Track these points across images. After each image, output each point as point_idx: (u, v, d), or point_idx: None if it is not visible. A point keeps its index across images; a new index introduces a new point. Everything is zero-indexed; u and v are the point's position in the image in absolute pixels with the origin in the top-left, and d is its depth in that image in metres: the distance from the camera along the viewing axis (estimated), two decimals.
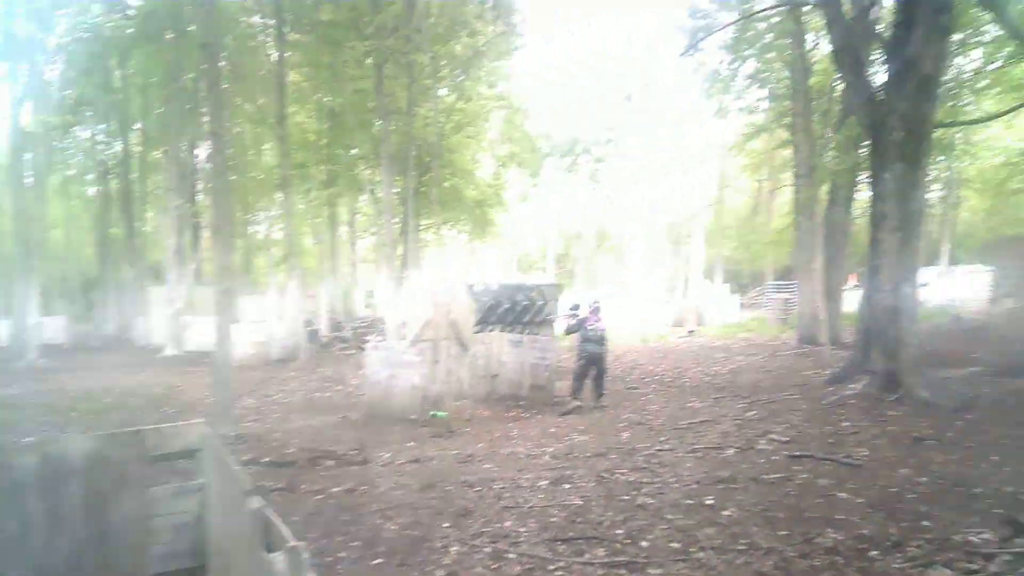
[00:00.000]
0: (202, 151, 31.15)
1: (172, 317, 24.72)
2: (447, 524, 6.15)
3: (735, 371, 14.52)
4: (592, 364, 12.25)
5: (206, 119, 22.92)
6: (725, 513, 6.08)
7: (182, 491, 2.88)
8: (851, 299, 21.53)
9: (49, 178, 30.87)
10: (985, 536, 5.19)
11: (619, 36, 47.37)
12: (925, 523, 5.54)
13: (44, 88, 27.21)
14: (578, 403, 11.90)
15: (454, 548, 5.58)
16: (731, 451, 8.22)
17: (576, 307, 13.52)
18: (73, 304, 46.04)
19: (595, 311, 12.64)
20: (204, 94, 24.28)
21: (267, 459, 8.88)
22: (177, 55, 23.76)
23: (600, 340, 12.22)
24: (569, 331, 12.99)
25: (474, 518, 6.30)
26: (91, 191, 38.43)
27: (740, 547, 5.32)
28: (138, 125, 33.04)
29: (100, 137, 34.34)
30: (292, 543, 2.15)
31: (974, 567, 4.72)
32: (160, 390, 15.37)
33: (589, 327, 12.34)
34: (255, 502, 2.26)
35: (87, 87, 29.18)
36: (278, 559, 2.05)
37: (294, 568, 2.10)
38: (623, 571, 5.05)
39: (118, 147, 33.77)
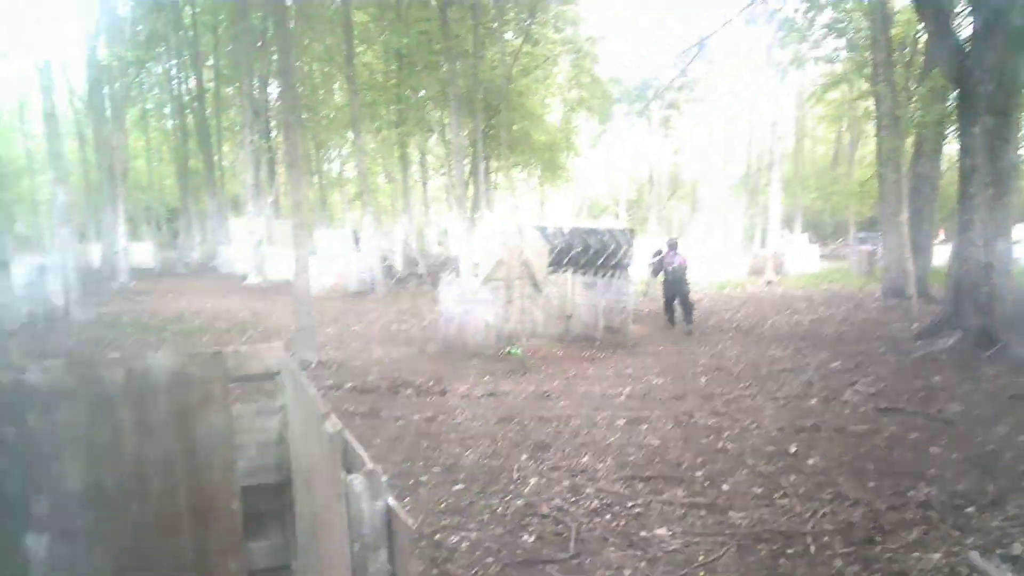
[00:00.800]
0: (274, 88, 31.44)
1: (254, 247, 25.32)
2: (525, 456, 6.15)
3: (817, 321, 14.05)
4: (674, 295, 13.86)
5: (275, 58, 22.95)
6: (809, 462, 5.90)
7: (264, 410, 2.86)
8: (940, 253, 20.54)
9: (127, 111, 31.69)
10: None
11: None
12: None
13: (118, 23, 27.69)
14: (671, 324, 13.90)
15: (532, 479, 5.58)
16: (815, 401, 7.98)
17: (659, 252, 14.85)
18: (159, 231, 47.75)
19: (672, 248, 14.22)
20: (272, 33, 24.47)
21: (349, 385, 9.06)
22: None
23: (675, 273, 13.77)
24: (655, 272, 14.66)
25: (551, 452, 6.29)
26: (169, 124, 39.36)
27: (826, 496, 5.16)
28: (210, 62, 33.50)
29: (174, 72, 34.96)
30: (370, 466, 2.07)
31: None
32: (245, 315, 15.80)
33: (668, 263, 13.91)
34: (331, 425, 2.20)
35: (158, 23, 29.65)
36: (356, 480, 1.98)
37: (372, 490, 2.02)
38: (703, 512, 4.95)
39: (192, 83, 34.35)
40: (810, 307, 16.06)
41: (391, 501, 2.11)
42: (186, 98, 34.91)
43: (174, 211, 44.31)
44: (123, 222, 25.26)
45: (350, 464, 2.46)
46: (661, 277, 14.59)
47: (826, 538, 4.48)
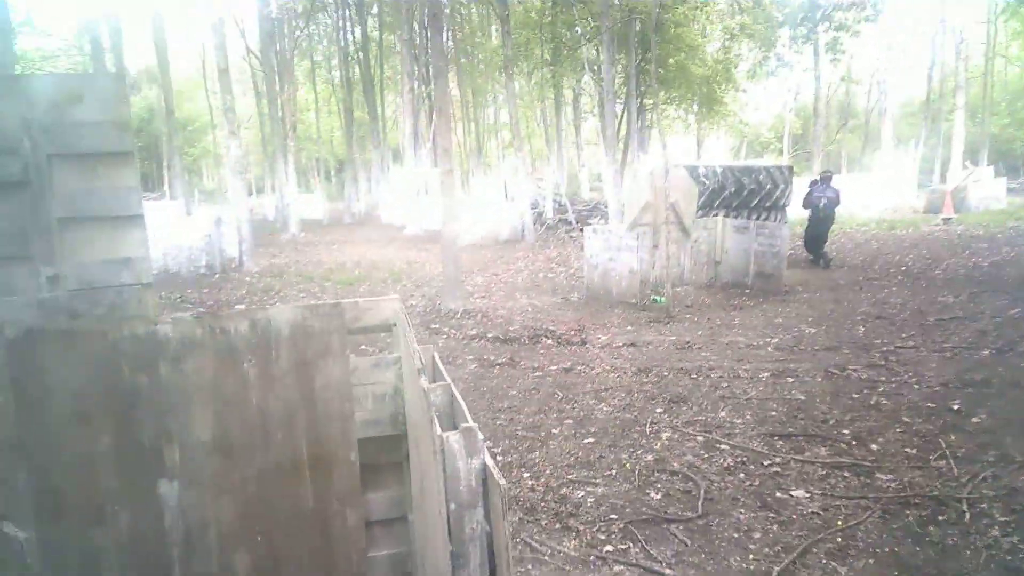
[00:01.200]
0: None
1: (411, 197, 26.10)
2: (660, 410, 6.05)
3: (998, 264, 12.79)
4: (820, 232, 14.06)
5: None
6: (974, 420, 5.45)
7: (381, 363, 2.93)
8: None
9: (297, 63, 33.04)
10: None
11: None
12: None
13: None
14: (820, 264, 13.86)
15: (665, 434, 5.48)
16: (987, 352, 7.31)
17: (814, 182, 14.70)
18: (328, 183, 50.26)
19: (825, 181, 14.25)
20: None
21: (492, 334, 9.21)
22: None
23: (826, 208, 13.90)
24: (804, 205, 14.36)
25: (688, 405, 6.15)
26: (336, 76, 40.81)
27: (989, 458, 4.74)
28: (374, 10, 34.22)
29: (340, 23, 36.04)
30: (467, 424, 2.09)
31: None
32: (401, 265, 16.42)
33: (817, 197, 13.94)
34: (424, 381, 2.22)
35: None
36: (452, 438, 2.00)
37: (469, 448, 2.05)
38: (847, 473, 4.70)
39: (357, 32, 35.31)
40: (992, 248, 14.62)
41: (488, 459, 2.12)
42: (351, 48, 35.94)
43: (342, 162, 46.41)
44: (294, 174, 26.75)
45: (456, 420, 2.50)
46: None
47: (984, 505, 4.13)
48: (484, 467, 2.10)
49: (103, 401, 2.51)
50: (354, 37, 35.38)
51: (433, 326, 9.78)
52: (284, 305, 2.74)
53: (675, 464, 4.90)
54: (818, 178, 14.88)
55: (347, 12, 34.53)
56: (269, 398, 2.70)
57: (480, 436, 2.08)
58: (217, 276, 14.96)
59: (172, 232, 15.22)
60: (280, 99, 28.28)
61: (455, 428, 2.20)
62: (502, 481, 2.02)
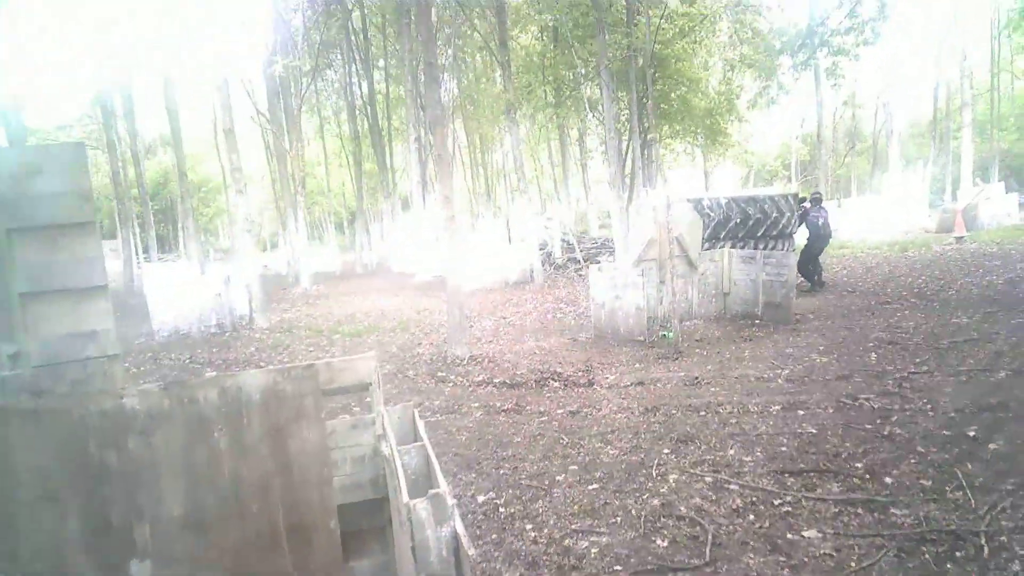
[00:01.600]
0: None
1: (420, 243, 26.21)
2: (667, 450, 5.91)
3: (1012, 281, 12.57)
4: (815, 254, 14.33)
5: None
6: (991, 446, 5.28)
7: (358, 424, 2.87)
8: None
9: (308, 117, 33.52)
10: None
11: None
12: None
13: (291, 34, 29.36)
14: (813, 288, 14.16)
15: (672, 476, 5.35)
16: (1003, 374, 7.13)
17: (803, 200, 15.45)
18: (340, 234, 50.64)
19: (814, 202, 14.86)
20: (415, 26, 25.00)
21: (499, 380, 9.11)
22: None
23: (824, 229, 14.35)
24: (803, 224, 14.86)
25: (696, 444, 6.00)
26: (344, 129, 41.38)
27: (1007, 486, 4.58)
28: (380, 63, 34.78)
29: (347, 79, 36.64)
30: (435, 489, 2.01)
31: None
32: (410, 313, 16.38)
33: (812, 216, 14.48)
34: (384, 448, 2.14)
35: (331, 30, 31.01)
36: (420, 505, 1.92)
37: (438, 515, 1.96)
38: (860, 510, 4.53)
39: (364, 87, 35.85)
40: (1005, 265, 14.40)
41: (459, 527, 2.03)
42: (359, 102, 36.48)
43: (353, 213, 46.90)
44: (304, 228, 26.97)
45: (431, 484, 2.41)
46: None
47: (1003, 538, 3.97)
48: (455, 536, 2.01)
49: (70, 480, 2.45)
50: (361, 91, 35.93)
51: (439, 374, 9.69)
52: (255, 369, 2.68)
53: (682, 508, 4.76)
54: (807, 200, 15.31)
55: (354, 68, 35.10)
56: (242, 467, 2.63)
57: (450, 502, 1.98)
58: (227, 335, 14.99)
59: (182, 292, 15.32)
60: (289, 156, 28.66)
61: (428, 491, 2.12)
62: (472, 551, 1.93)
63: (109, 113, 31.01)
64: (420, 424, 2.91)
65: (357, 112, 36.10)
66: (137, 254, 35.88)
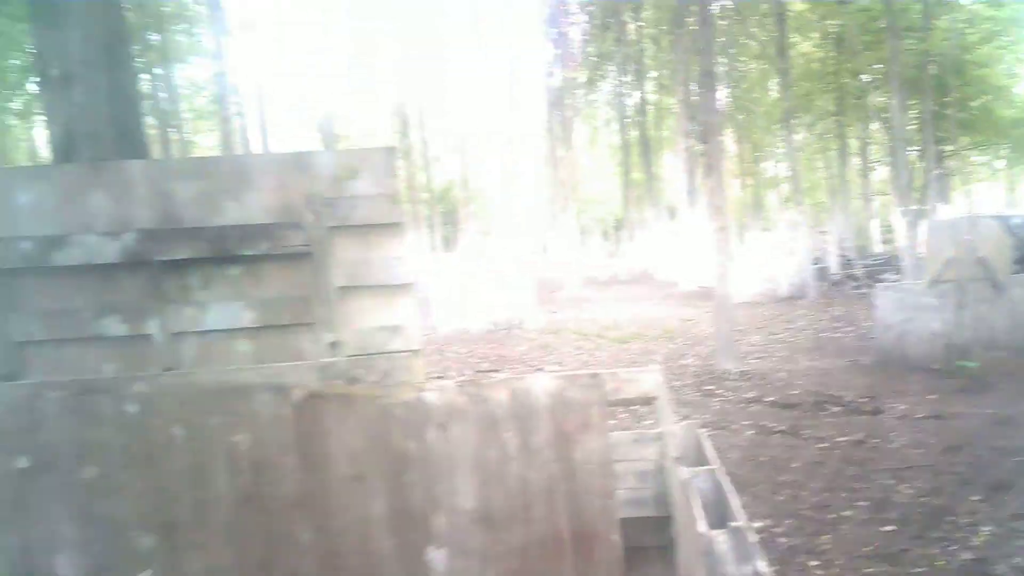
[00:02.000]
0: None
1: (684, 253, 25.82)
2: (977, 497, 5.20)
3: None
4: None
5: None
6: None
7: (642, 439, 2.79)
8: None
9: (575, 130, 34.50)
10: None
11: None
12: None
13: (568, 46, 30.28)
14: None
15: (986, 528, 4.67)
16: None
17: None
18: (606, 241, 51.50)
19: None
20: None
21: (770, 399, 8.65)
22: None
23: None
24: None
25: (1013, 494, 5.21)
26: (615, 139, 41.90)
27: None
28: (652, 74, 34.81)
29: (621, 90, 37.11)
30: (738, 522, 1.86)
31: None
32: (673, 323, 16.17)
33: None
34: (684, 472, 2.02)
35: (606, 42, 31.55)
36: (720, 538, 1.79)
37: (739, 551, 1.81)
38: None
39: (636, 97, 36.08)
40: None
41: (763, 568, 1.87)
42: (631, 112, 36.83)
43: (619, 221, 47.41)
44: (574, 234, 27.74)
45: (724, 511, 2.27)
46: None
47: None
48: None
49: (377, 464, 2.62)
50: (632, 101, 36.23)
51: (707, 387, 9.40)
52: (543, 374, 2.72)
53: (1001, 567, 4.13)
54: None
55: (626, 78, 35.49)
56: (529, 470, 2.66)
57: (754, 538, 1.83)
58: (502, 332, 15.80)
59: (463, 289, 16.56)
60: (561, 163, 29.65)
61: (722, 520, 1.99)
62: None
63: (404, 123, 34.00)
64: (708, 444, 2.77)
65: (627, 121, 36.40)
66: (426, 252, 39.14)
